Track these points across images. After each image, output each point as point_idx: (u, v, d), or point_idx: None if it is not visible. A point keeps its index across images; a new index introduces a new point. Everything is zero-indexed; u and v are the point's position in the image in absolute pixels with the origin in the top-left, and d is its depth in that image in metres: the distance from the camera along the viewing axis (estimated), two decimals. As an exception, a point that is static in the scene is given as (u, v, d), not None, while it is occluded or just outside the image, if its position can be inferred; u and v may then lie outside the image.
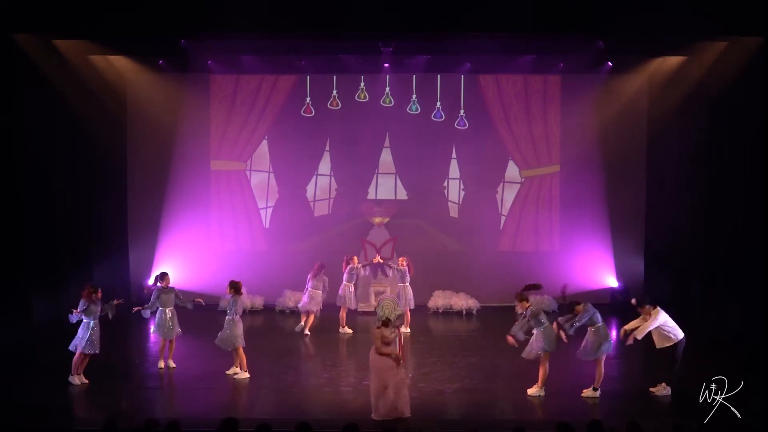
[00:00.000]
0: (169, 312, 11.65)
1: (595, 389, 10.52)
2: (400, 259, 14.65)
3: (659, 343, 10.55)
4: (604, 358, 10.54)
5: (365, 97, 16.86)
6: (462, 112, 16.88)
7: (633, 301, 10.84)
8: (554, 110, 16.92)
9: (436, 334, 14.55)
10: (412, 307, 14.58)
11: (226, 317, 11.37)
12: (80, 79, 14.59)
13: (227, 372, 11.38)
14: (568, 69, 16.05)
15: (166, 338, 11.69)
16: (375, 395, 9.68)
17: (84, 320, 10.91)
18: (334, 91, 16.87)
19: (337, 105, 16.89)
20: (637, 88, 16.39)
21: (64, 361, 12.10)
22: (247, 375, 11.28)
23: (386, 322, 9.87)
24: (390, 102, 16.86)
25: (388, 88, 16.85)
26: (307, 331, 14.11)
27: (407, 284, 14.41)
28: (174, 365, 11.76)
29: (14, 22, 12.39)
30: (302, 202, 17.13)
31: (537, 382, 10.59)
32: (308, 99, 16.89)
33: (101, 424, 7.39)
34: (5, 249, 12.89)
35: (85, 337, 10.88)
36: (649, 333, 10.47)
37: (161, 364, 11.71)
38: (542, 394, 10.52)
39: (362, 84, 16.84)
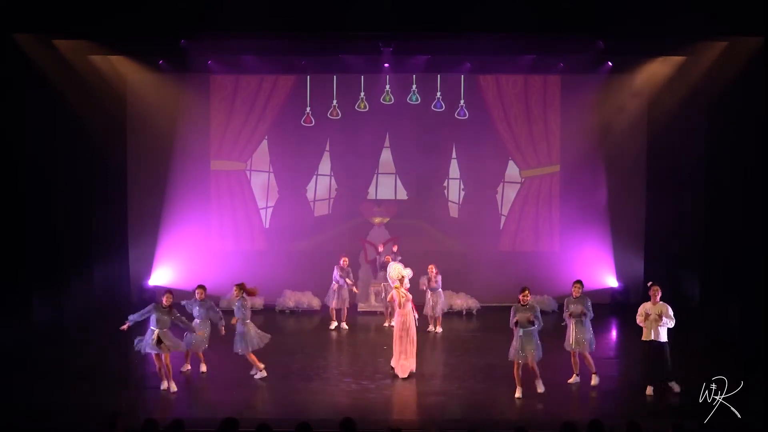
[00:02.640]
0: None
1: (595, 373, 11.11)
2: (430, 267, 14.55)
3: (646, 335, 10.63)
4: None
5: (365, 107, 16.85)
6: (462, 101, 16.86)
7: (650, 283, 10.90)
8: (554, 110, 16.91)
9: (435, 335, 14.52)
10: (445, 310, 14.85)
11: (240, 322, 11.17)
12: (80, 79, 14.58)
13: (252, 373, 11.33)
14: (568, 69, 16.04)
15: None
16: (400, 355, 11.38)
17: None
18: (334, 101, 16.86)
19: (337, 115, 16.88)
20: (637, 88, 16.37)
21: (64, 361, 12.13)
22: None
23: (402, 280, 11.60)
24: (390, 99, 16.85)
25: (388, 86, 16.83)
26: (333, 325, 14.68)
27: (439, 290, 14.52)
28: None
29: (14, 22, 12.38)
30: (302, 202, 17.13)
31: (537, 380, 10.69)
32: (308, 109, 16.89)
33: (101, 424, 7.39)
34: (5, 249, 12.88)
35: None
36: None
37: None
38: (518, 396, 10.59)
39: (362, 94, 16.83)
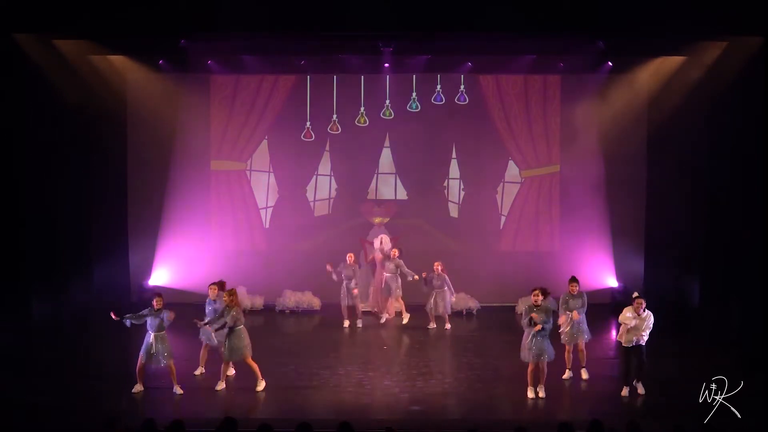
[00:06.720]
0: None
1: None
2: (435, 264, 14.67)
3: (628, 341, 10.66)
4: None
5: (365, 122, 16.82)
6: (462, 87, 16.80)
7: (635, 295, 10.89)
8: (554, 110, 16.89)
9: (437, 334, 14.54)
10: (449, 312, 14.87)
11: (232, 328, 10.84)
12: (80, 79, 14.57)
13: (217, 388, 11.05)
14: (568, 69, 16.03)
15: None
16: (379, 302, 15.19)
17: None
18: (335, 116, 16.84)
19: (337, 129, 16.86)
20: (637, 88, 16.35)
21: (64, 361, 12.14)
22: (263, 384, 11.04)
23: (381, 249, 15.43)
24: (390, 115, 16.81)
25: (388, 101, 16.83)
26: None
27: (444, 289, 14.64)
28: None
29: (14, 22, 12.37)
30: (302, 202, 17.12)
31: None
32: (308, 124, 16.84)
33: (101, 425, 7.40)
34: (5, 249, 12.88)
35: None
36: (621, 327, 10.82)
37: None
38: (531, 396, 10.67)
39: (362, 109, 16.80)
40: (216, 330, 10.93)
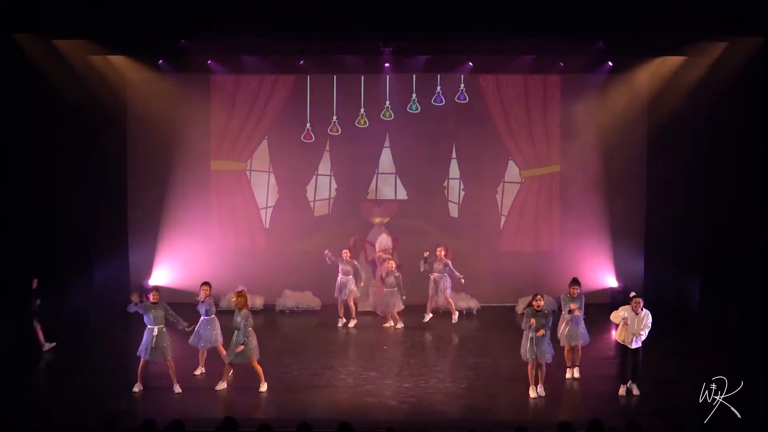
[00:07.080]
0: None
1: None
2: (439, 249, 14.84)
3: (623, 338, 10.75)
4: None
5: (365, 123, 16.82)
6: (462, 86, 16.80)
7: (632, 294, 10.92)
8: (554, 110, 16.89)
9: (436, 334, 14.55)
10: (451, 298, 15.04)
11: (238, 332, 10.88)
12: (80, 79, 14.56)
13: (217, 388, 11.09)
14: (568, 69, 16.03)
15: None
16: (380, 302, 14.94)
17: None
18: (335, 117, 16.84)
19: (337, 131, 16.85)
20: (637, 88, 16.36)
21: (64, 362, 12.14)
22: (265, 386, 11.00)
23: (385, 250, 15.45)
24: (390, 116, 16.80)
25: (388, 102, 16.82)
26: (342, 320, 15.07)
27: (444, 275, 14.79)
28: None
29: (14, 22, 12.37)
30: (302, 202, 17.12)
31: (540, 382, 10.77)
32: (308, 125, 16.85)
33: (101, 425, 7.40)
34: (5, 249, 12.87)
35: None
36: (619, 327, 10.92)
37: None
38: (533, 396, 10.74)
39: (362, 110, 16.79)
40: (236, 348, 10.87)
